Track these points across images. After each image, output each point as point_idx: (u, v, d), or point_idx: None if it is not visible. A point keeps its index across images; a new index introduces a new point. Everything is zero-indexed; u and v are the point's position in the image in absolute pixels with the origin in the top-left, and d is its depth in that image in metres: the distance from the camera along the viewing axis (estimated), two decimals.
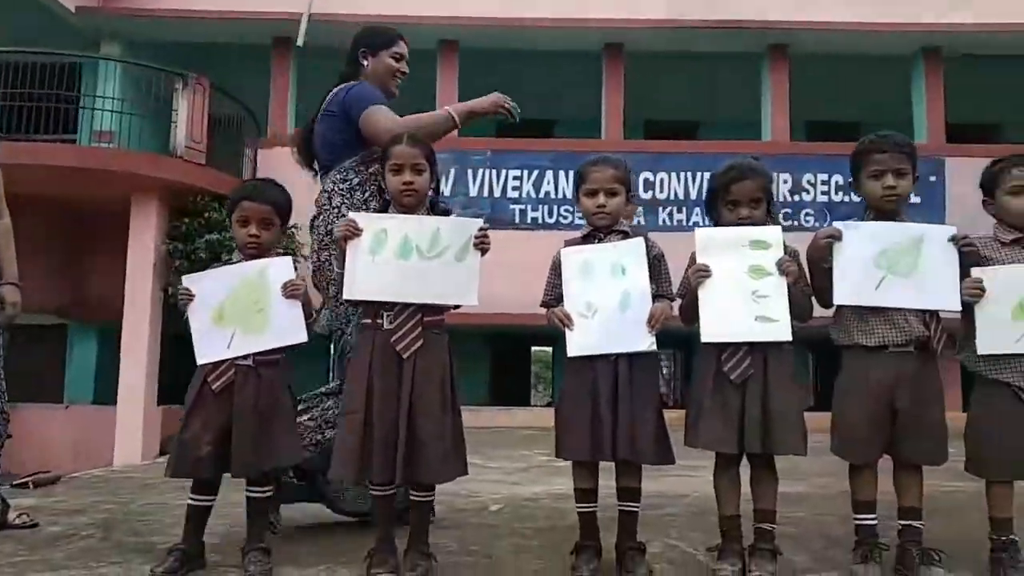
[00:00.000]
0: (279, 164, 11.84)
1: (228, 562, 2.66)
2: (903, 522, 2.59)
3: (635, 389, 2.56)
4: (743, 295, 2.56)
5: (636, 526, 2.64)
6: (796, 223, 11.56)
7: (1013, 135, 13.19)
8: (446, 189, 10.94)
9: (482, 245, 2.63)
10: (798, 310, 2.60)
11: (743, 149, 11.80)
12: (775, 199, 2.77)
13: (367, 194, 3.09)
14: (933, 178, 11.44)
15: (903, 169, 2.63)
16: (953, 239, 2.57)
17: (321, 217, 3.14)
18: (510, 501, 3.95)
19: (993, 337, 2.53)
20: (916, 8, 11.64)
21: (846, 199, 11.81)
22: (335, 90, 3.25)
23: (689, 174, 11.80)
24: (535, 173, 11.74)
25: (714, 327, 2.58)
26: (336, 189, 3.14)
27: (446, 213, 2.80)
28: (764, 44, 12.15)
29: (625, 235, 2.71)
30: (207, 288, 2.67)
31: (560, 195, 11.69)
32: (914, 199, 11.47)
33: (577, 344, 2.60)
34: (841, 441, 2.62)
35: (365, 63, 3.28)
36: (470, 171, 11.65)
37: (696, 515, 3.46)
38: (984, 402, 2.60)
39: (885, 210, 2.66)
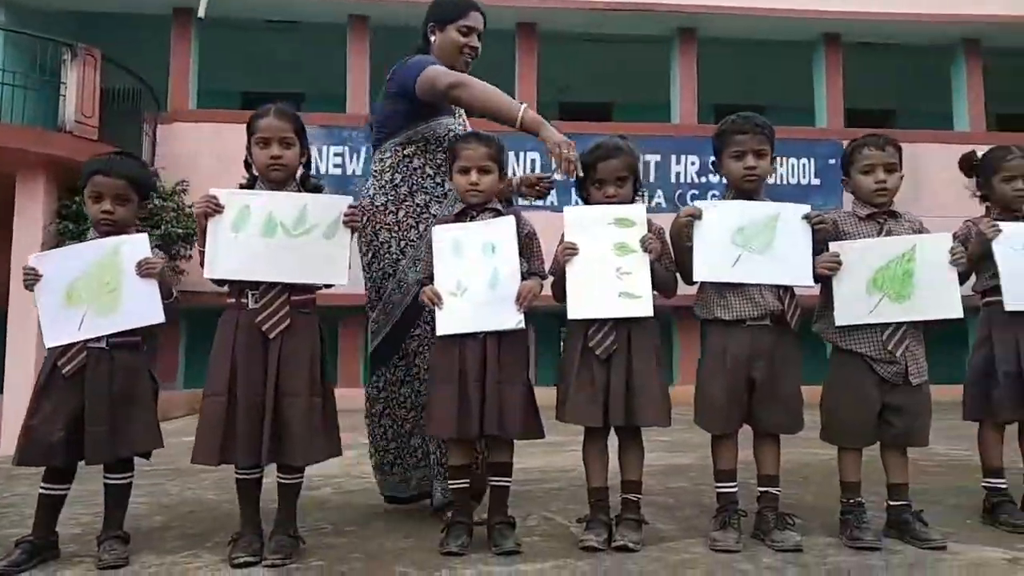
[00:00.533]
0: (180, 139, 11.46)
1: (84, 552, 2.56)
2: (761, 488, 2.69)
3: (503, 366, 2.58)
4: (608, 272, 2.60)
5: (507, 500, 2.66)
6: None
7: (907, 121, 13.83)
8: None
9: (351, 223, 2.59)
10: (662, 286, 2.66)
11: (653, 131, 12.03)
12: (641, 178, 2.82)
13: (400, 176, 2.99)
14: (833, 160, 11.84)
15: (763, 150, 2.71)
16: (806, 217, 2.66)
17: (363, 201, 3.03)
18: None
19: (849, 308, 2.64)
20: None
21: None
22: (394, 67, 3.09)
23: None
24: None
25: (580, 304, 2.61)
26: (372, 171, 3.08)
27: (317, 189, 2.74)
28: (673, 27, 12.33)
29: (498, 213, 2.70)
30: (56, 267, 2.54)
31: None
32: (814, 180, 12.21)
33: (446, 323, 2.60)
34: (701, 413, 2.70)
35: (433, 38, 3.09)
36: None
37: (580, 488, 3.50)
38: (837, 372, 2.72)
39: (745, 190, 2.74)
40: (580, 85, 13.33)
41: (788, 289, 2.67)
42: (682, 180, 11.83)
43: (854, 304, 2.64)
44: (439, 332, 2.60)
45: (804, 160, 11.98)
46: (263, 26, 12.07)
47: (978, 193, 3.06)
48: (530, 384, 2.66)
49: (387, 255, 2.97)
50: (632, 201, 2.72)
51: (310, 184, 2.73)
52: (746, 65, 12.91)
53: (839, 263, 2.64)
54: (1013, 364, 2.82)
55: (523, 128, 2.74)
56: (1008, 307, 2.83)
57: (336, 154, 11.48)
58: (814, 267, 2.64)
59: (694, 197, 11.62)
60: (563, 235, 2.68)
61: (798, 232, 2.66)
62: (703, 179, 11.96)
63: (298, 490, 2.62)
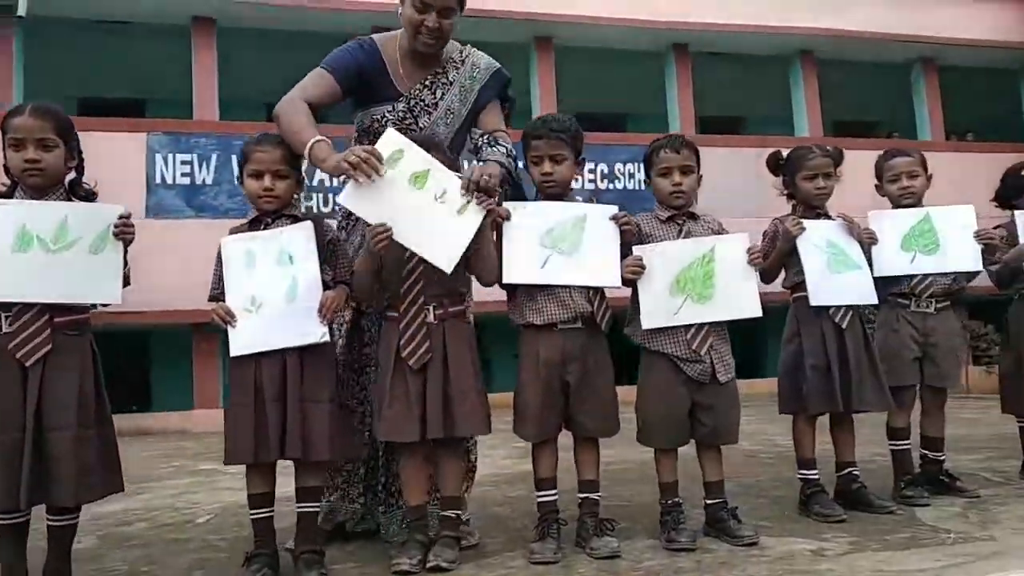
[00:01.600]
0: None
1: None
2: (581, 495, 2.64)
3: (306, 384, 2.40)
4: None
5: (316, 527, 2.49)
6: None
7: (755, 128, 14.59)
8: None
9: (123, 235, 2.34)
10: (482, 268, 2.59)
11: (515, 137, 12.09)
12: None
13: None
14: None
15: (559, 155, 2.66)
16: (613, 218, 2.64)
17: None
18: (225, 510, 3.66)
19: (655, 311, 2.63)
20: (664, 6, 12.42)
21: (611, 186, 12.46)
22: None
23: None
24: None
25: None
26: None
27: (90, 197, 2.46)
28: (530, 35, 12.45)
29: (295, 220, 2.52)
30: None
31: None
32: None
33: (240, 343, 2.39)
34: (518, 420, 2.62)
35: (399, 11, 2.75)
36: None
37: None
38: (647, 374, 2.71)
39: (547, 195, 2.69)
40: None
41: (598, 291, 2.63)
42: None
43: (659, 307, 2.63)
44: (232, 353, 2.39)
45: None
46: (95, 27, 11.30)
47: (785, 192, 3.15)
48: (340, 402, 2.50)
49: None
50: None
51: (81, 192, 2.46)
52: (603, 73, 13.22)
53: (642, 267, 2.63)
54: (820, 358, 2.90)
55: (311, 162, 2.49)
56: (813, 302, 2.91)
57: (184, 162, 10.87)
58: (622, 269, 2.62)
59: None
60: None
61: (606, 233, 2.63)
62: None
63: (72, 532, 2.34)
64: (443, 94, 2.81)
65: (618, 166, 12.55)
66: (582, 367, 2.57)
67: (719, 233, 2.77)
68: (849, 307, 2.94)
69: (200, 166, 10.84)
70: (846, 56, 13.56)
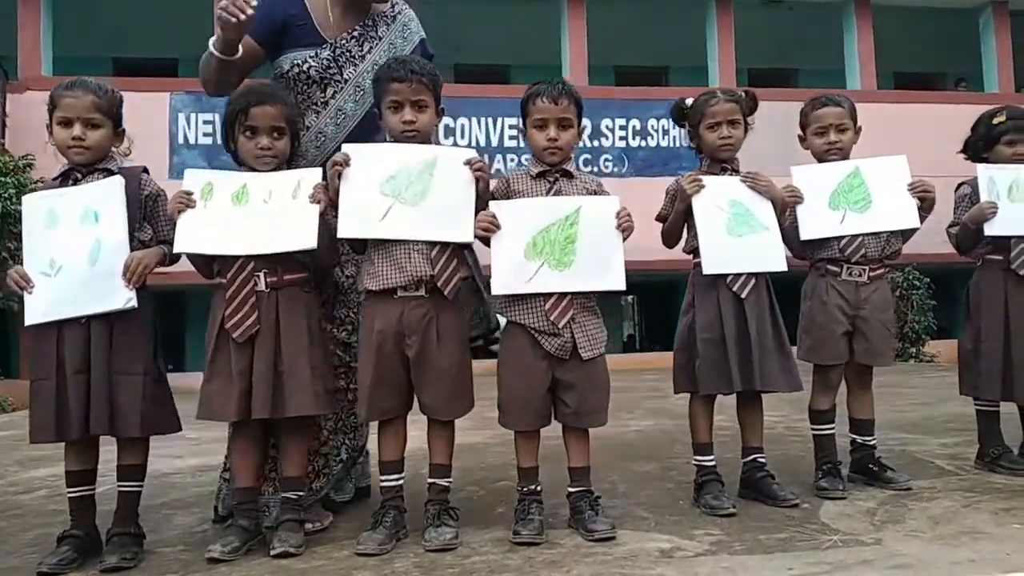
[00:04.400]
0: (32, 110, 10.76)
1: None
2: (430, 480, 2.41)
3: (115, 355, 2.24)
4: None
5: (136, 508, 2.35)
6: (596, 168, 11.60)
7: (806, 81, 13.75)
8: None
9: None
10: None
11: None
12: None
13: None
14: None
15: (422, 101, 2.39)
16: (468, 162, 2.35)
17: None
18: None
19: (507, 275, 2.35)
20: None
21: (643, 143, 11.95)
22: None
23: (491, 119, 11.61)
24: None
25: None
26: None
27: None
28: None
29: (110, 174, 2.34)
30: None
31: None
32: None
33: (36, 311, 2.23)
34: (360, 398, 2.40)
35: None
36: None
37: None
38: (505, 346, 2.44)
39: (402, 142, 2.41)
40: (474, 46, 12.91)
41: (448, 251, 2.35)
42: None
43: (512, 271, 2.34)
44: (27, 322, 2.24)
45: None
46: None
47: (692, 144, 2.79)
48: (158, 373, 2.33)
49: None
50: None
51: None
52: (640, 24, 12.66)
53: (495, 224, 2.34)
54: (714, 331, 2.58)
55: (221, 51, 2.44)
56: (705, 270, 2.59)
57: (206, 122, 10.95)
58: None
59: (586, 163, 11.37)
60: None
61: (459, 182, 2.34)
62: (595, 143, 11.70)
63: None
64: (371, 48, 2.71)
65: (651, 122, 12.07)
66: (425, 340, 2.32)
67: (597, 194, 2.46)
68: (751, 275, 2.59)
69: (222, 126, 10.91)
70: (905, 1, 12.57)
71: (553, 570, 2.06)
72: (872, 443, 2.87)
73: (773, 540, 2.22)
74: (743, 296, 2.57)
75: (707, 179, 2.62)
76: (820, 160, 2.85)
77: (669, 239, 2.73)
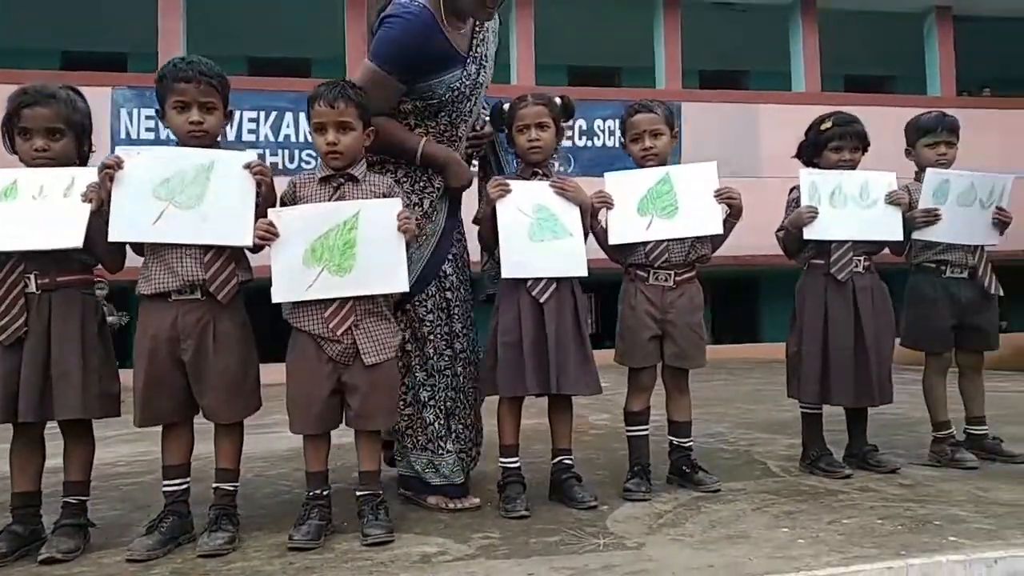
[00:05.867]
0: None
1: None
2: (215, 484, 2.41)
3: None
4: None
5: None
6: None
7: (756, 83, 13.84)
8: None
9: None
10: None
11: (493, 92, 11.67)
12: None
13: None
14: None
15: (209, 103, 2.38)
16: (247, 166, 2.34)
17: None
18: None
19: (287, 284, 2.35)
20: None
21: (589, 143, 11.97)
22: None
23: None
24: (273, 115, 11.08)
25: None
26: None
27: None
28: None
29: None
30: None
31: (302, 139, 11.14)
32: None
33: None
34: (133, 404, 2.37)
35: None
36: None
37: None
38: (290, 354, 2.42)
39: (190, 146, 2.40)
40: None
41: (221, 255, 2.33)
42: None
43: (291, 278, 2.34)
44: None
45: None
46: None
47: (511, 148, 2.81)
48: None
49: None
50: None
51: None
52: (586, 28, 12.69)
53: (273, 232, 2.33)
54: (513, 335, 2.59)
55: (423, 163, 2.65)
56: (503, 274, 2.60)
57: (148, 117, 10.84)
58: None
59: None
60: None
61: (237, 186, 2.33)
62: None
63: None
64: (484, 42, 2.77)
65: (598, 122, 12.09)
66: (199, 344, 2.31)
67: (387, 197, 2.46)
68: (552, 279, 2.60)
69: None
70: (852, 6, 12.66)
71: (311, 572, 2.07)
72: (687, 445, 2.89)
73: (541, 543, 2.24)
74: (542, 301, 2.58)
75: (514, 184, 2.63)
76: (640, 165, 2.87)
77: (485, 243, 2.73)
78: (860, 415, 3.10)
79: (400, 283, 2.37)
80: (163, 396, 2.33)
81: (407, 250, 2.39)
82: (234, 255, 2.36)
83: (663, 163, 2.84)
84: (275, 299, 2.35)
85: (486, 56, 2.78)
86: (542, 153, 2.69)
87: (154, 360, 2.31)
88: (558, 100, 2.76)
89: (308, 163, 10.96)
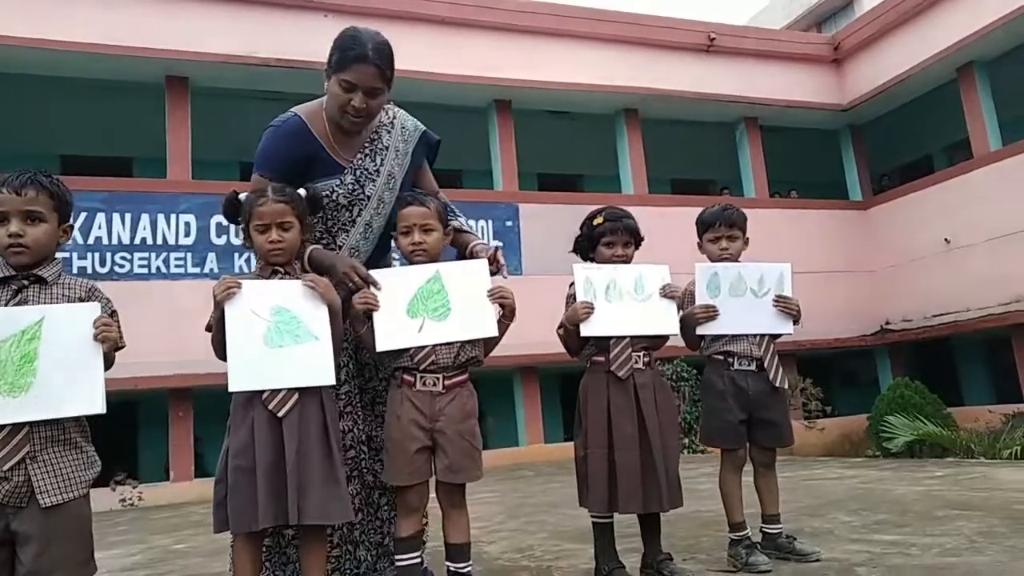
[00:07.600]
0: None
1: None
2: None
3: None
4: None
5: None
6: None
7: (590, 186, 14.43)
8: None
9: None
10: None
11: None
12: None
13: None
14: (510, 223, 11.97)
15: (37, 212, 2.06)
16: None
17: None
18: None
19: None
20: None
21: None
22: None
23: None
24: (83, 216, 10.25)
25: None
26: None
27: None
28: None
29: None
30: None
31: (116, 241, 10.37)
32: (494, 241, 12.17)
33: None
34: None
35: (325, 84, 2.67)
36: None
37: None
38: None
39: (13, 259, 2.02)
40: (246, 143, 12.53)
41: None
42: None
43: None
44: None
45: (483, 222, 11.93)
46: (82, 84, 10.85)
47: (246, 244, 2.51)
48: None
49: None
50: None
51: None
52: (434, 130, 12.79)
53: None
54: (246, 458, 2.22)
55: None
56: (232, 387, 2.26)
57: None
58: None
59: None
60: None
61: None
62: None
63: None
64: (382, 160, 2.81)
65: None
66: None
67: (85, 301, 2.09)
68: (292, 390, 2.29)
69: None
70: (671, 115, 13.55)
71: None
72: (466, 571, 2.57)
73: None
74: (280, 414, 2.26)
75: (246, 283, 2.33)
76: (410, 262, 2.65)
77: (217, 349, 2.39)
78: (652, 521, 2.90)
79: (95, 404, 1.98)
80: None
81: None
82: None
83: (434, 259, 2.64)
84: None
85: (376, 172, 2.77)
86: (283, 255, 2.42)
87: None
88: (299, 194, 2.51)
89: (121, 266, 10.27)
